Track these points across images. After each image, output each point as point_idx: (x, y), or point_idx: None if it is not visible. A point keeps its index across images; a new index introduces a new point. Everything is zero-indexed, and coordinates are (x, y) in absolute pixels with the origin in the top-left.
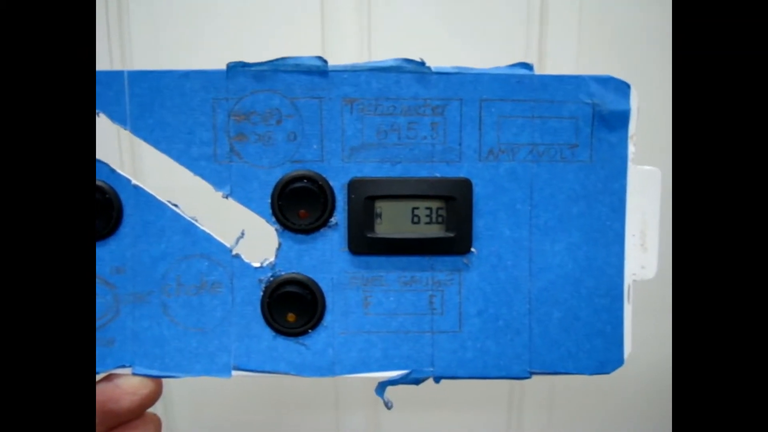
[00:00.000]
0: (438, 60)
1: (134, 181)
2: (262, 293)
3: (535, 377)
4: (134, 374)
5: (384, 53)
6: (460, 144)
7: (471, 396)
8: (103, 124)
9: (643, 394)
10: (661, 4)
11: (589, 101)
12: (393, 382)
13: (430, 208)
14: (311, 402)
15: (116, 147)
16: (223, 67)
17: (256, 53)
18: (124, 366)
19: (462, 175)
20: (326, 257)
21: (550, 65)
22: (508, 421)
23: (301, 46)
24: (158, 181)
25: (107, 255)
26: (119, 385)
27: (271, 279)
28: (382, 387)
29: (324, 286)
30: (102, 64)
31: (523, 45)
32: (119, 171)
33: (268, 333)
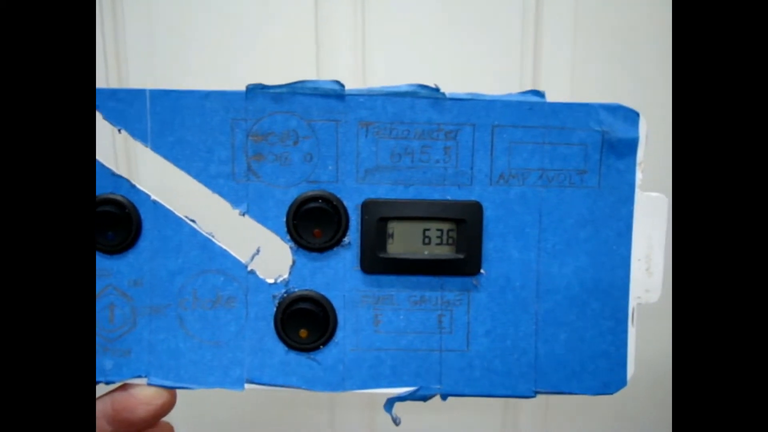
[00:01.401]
0: (433, 72)
1: (153, 197)
2: (275, 309)
3: None
4: (149, 384)
5: (378, 66)
6: (471, 168)
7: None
8: (99, 138)
9: (639, 395)
10: (659, 18)
11: (598, 129)
12: (401, 398)
13: (441, 230)
14: (307, 401)
15: (113, 161)
16: (219, 83)
17: (250, 70)
18: (139, 376)
19: (473, 198)
20: (339, 275)
21: (544, 82)
22: (503, 422)
23: (294, 61)
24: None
25: (126, 268)
26: (134, 394)
27: (285, 295)
28: (390, 403)
29: (336, 303)
30: (98, 81)
31: (518, 57)
32: (139, 186)
33: (280, 348)
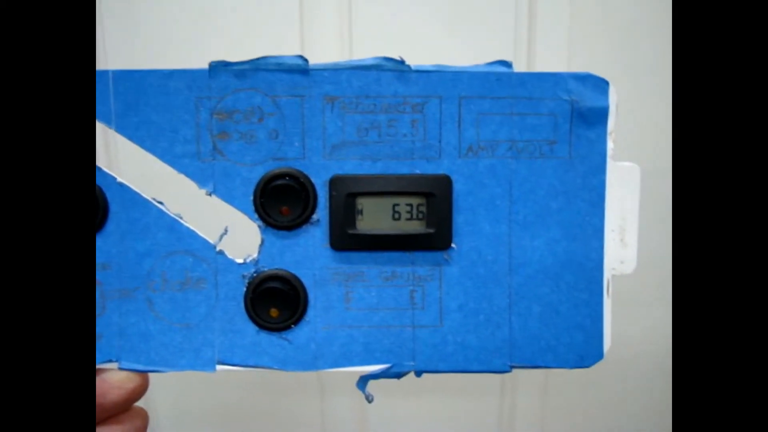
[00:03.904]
0: (425, 50)
1: (120, 179)
2: (245, 289)
3: None
4: (121, 369)
5: (366, 50)
6: (439, 141)
7: (463, 381)
8: None
9: (636, 379)
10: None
11: (567, 98)
12: (374, 376)
13: (410, 205)
14: (296, 388)
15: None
16: (203, 65)
17: (234, 51)
18: (111, 361)
19: (442, 171)
20: (308, 253)
21: (540, 58)
22: (500, 407)
23: (279, 43)
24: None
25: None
26: (106, 379)
27: (254, 275)
28: (363, 381)
29: (306, 281)
30: None
31: (511, 34)
32: (105, 169)
33: (251, 328)
